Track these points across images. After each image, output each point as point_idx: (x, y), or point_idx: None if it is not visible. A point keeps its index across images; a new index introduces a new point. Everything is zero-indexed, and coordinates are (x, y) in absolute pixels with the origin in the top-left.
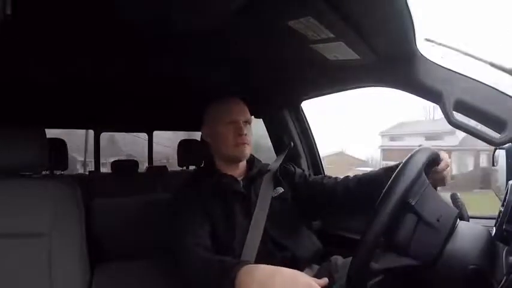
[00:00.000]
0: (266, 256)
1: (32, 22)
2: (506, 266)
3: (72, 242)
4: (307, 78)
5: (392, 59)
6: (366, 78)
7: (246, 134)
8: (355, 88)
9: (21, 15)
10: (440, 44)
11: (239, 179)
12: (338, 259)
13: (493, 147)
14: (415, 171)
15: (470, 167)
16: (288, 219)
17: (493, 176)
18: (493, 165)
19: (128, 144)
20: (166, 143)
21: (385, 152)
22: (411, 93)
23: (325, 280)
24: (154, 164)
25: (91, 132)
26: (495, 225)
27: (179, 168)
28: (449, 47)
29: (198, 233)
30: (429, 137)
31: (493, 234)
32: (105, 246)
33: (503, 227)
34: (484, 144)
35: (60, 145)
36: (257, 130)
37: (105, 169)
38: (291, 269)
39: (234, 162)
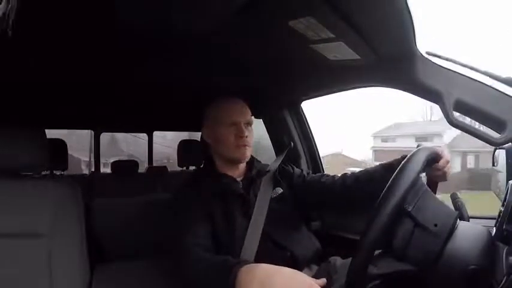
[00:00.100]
0: (265, 256)
1: (32, 22)
2: (506, 266)
3: (72, 242)
4: (307, 78)
5: (392, 59)
6: (366, 78)
7: (247, 136)
8: (355, 88)
9: (21, 16)
10: (441, 58)
11: (238, 179)
12: (337, 260)
13: (479, 150)
14: (411, 177)
15: (458, 169)
16: (287, 220)
17: (488, 177)
18: (493, 165)
19: (129, 144)
20: (167, 143)
21: (377, 153)
22: (411, 93)
23: (323, 280)
24: (156, 164)
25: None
26: (495, 225)
27: (179, 169)
28: (450, 60)
29: (198, 233)
30: (419, 138)
31: (493, 234)
32: (105, 246)
33: (503, 227)
34: (470, 146)
35: (60, 145)
36: (257, 130)
37: (107, 169)
38: (290, 269)
39: (234, 164)
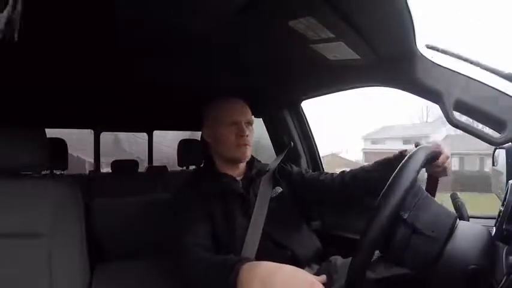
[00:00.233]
0: (266, 256)
1: (31, 23)
2: (506, 266)
3: (72, 242)
4: (307, 78)
5: (392, 59)
6: (366, 78)
7: (247, 135)
8: (355, 88)
9: (22, 17)
10: (442, 51)
11: (238, 179)
12: (337, 259)
13: (464, 151)
14: (411, 176)
15: None
16: (287, 219)
17: (474, 179)
18: (493, 165)
19: (132, 145)
20: (169, 143)
21: (367, 154)
22: (411, 93)
23: (323, 277)
24: (158, 164)
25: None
26: (495, 225)
27: (179, 168)
28: (451, 54)
29: (198, 233)
30: (406, 140)
31: (493, 234)
32: (105, 246)
33: (503, 226)
34: (455, 148)
35: (60, 145)
36: (257, 130)
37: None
38: (292, 266)
39: (235, 163)
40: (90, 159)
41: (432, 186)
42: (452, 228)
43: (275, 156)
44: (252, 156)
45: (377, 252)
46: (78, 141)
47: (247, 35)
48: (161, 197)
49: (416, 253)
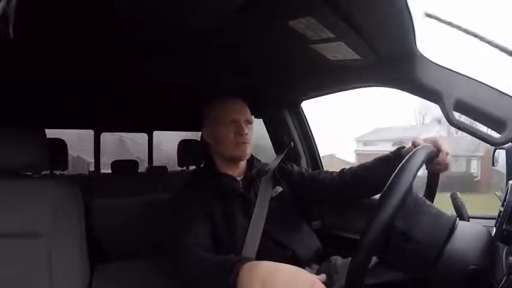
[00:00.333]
0: (266, 255)
1: (32, 22)
2: (506, 266)
3: (72, 242)
4: (307, 78)
5: (392, 59)
6: (366, 78)
7: (247, 133)
8: (355, 88)
9: (21, 16)
10: (442, 21)
11: (239, 179)
12: (338, 259)
13: (452, 153)
14: (407, 183)
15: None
16: (287, 219)
17: (458, 180)
18: (493, 165)
19: (137, 146)
20: (170, 143)
21: (359, 156)
22: (411, 93)
23: (323, 276)
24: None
25: (103, 134)
26: (495, 225)
27: (179, 168)
28: (452, 25)
29: (198, 233)
30: (396, 143)
31: (493, 234)
32: (105, 246)
33: (503, 227)
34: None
35: (60, 145)
36: (256, 130)
37: None
38: (292, 266)
39: (234, 162)
40: (92, 159)
41: (433, 183)
42: (449, 235)
43: (273, 157)
44: (251, 155)
45: (374, 258)
46: (79, 141)
47: (247, 35)
48: (161, 197)
49: (413, 260)
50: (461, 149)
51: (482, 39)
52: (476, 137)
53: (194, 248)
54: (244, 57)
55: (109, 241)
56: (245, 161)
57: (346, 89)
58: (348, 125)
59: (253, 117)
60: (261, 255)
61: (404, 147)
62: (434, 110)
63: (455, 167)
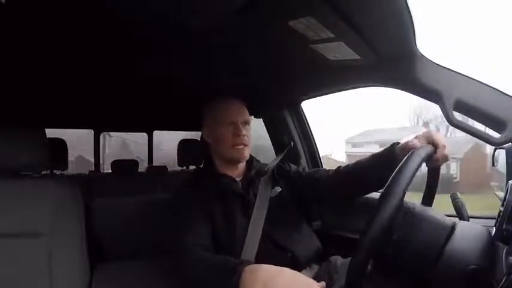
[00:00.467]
0: (266, 256)
1: (31, 22)
2: (506, 266)
3: (72, 242)
4: (307, 78)
5: (392, 59)
6: (366, 78)
7: (244, 135)
8: (355, 88)
9: (20, 16)
10: None
11: (238, 179)
12: (338, 259)
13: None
14: (410, 176)
15: None
16: (287, 219)
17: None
18: (493, 165)
19: (138, 147)
20: (170, 143)
21: (350, 157)
22: (411, 93)
23: (323, 283)
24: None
25: (108, 139)
26: (495, 225)
27: (179, 168)
28: None
29: (198, 233)
30: (382, 144)
31: (493, 234)
32: (105, 246)
33: (503, 226)
34: None
35: (60, 145)
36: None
37: None
38: (293, 271)
39: (234, 163)
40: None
41: (433, 182)
42: (447, 240)
43: (272, 157)
44: (251, 156)
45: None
46: (80, 141)
47: (247, 35)
48: (161, 197)
49: (409, 266)
50: None
51: None
52: (477, 137)
53: (194, 248)
54: (244, 57)
55: (109, 241)
56: (244, 161)
57: (346, 89)
58: (342, 126)
59: (252, 117)
60: (261, 256)
61: (398, 143)
62: (429, 111)
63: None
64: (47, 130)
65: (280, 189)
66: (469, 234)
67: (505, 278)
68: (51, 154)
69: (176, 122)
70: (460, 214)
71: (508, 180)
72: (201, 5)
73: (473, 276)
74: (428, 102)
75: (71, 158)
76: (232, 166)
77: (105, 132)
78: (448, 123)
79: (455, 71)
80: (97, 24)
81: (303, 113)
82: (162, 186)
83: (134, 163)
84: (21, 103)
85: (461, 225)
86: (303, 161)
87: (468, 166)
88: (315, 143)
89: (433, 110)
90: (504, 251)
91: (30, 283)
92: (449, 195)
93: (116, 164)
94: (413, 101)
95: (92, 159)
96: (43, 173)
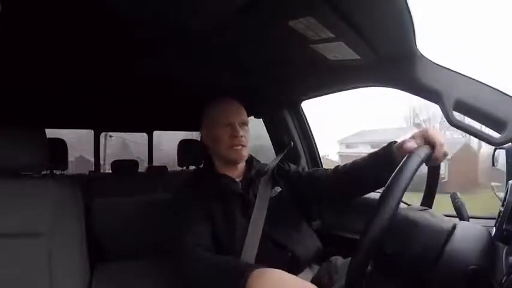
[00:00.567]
0: (266, 256)
1: (31, 22)
2: (506, 266)
3: (72, 242)
4: (307, 78)
5: (392, 59)
6: (366, 78)
7: (241, 136)
8: (355, 88)
9: (20, 15)
10: None
11: (238, 180)
12: (338, 259)
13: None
14: (409, 176)
15: None
16: (287, 219)
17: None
18: (493, 165)
19: (138, 147)
20: (170, 143)
21: (342, 157)
22: (411, 93)
23: None
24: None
25: (108, 134)
26: (495, 225)
27: (179, 168)
28: None
29: (199, 233)
30: (374, 145)
31: (493, 234)
32: (105, 246)
33: (503, 227)
34: None
35: (60, 145)
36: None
37: None
38: (300, 279)
39: (232, 164)
40: (100, 161)
41: (434, 178)
42: (444, 245)
43: (271, 158)
44: (251, 156)
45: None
46: (81, 141)
47: (247, 35)
48: (161, 197)
49: (407, 269)
50: None
51: None
52: (476, 137)
53: (195, 247)
54: (244, 57)
55: (109, 241)
56: (244, 162)
57: (346, 89)
58: (337, 126)
59: (252, 117)
60: (261, 256)
61: (395, 142)
62: (422, 112)
63: (425, 169)
64: (47, 130)
65: (280, 189)
66: (469, 235)
67: (505, 278)
68: (51, 154)
69: (176, 122)
70: (460, 214)
71: (508, 180)
72: (201, 5)
73: (473, 276)
74: (420, 103)
75: (71, 158)
76: (231, 166)
77: (106, 133)
78: (448, 124)
79: (455, 71)
80: (97, 24)
81: (303, 113)
82: (162, 186)
83: (134, 163)
84: (21, 103)
85: (461, 226)
86: (303, 161)
87: (457, 167)
88: (315, 143)
89: (428, 110)
90: (504, 251)
91: (30, 283)
92: (441, 195)
93: (115, 164)
94: (409, 103)
95: (93, 159)
96: (43, 173)
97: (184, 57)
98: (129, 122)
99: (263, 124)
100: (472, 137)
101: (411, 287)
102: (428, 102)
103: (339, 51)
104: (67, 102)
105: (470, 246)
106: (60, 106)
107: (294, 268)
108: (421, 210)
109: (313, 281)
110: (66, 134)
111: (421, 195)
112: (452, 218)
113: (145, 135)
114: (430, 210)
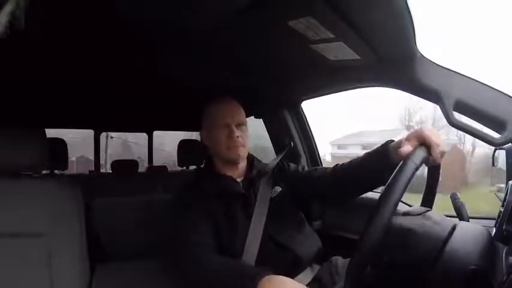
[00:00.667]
0: (267, 256)
1: (30, 22)
2: (506, 266)
3: (72, 242)
4: (307, 78)
5: (392, 59)
6: (366, 78)
7: (238, 137)
8: (355, 88)
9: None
10: None
11: (239, 180)
12: (338, 260)
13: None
14: (409, 176)
15: None
16: (288, 219)
17: None
18: (493, 165)
19: (139, 148)
20: (171, 144)
21: (334, 158)
22: (411, 93)
23: None
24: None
25: (110, 134)
26: (495, 226)
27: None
28: None
29: (201, 233)
30: (364, 147)
31: (493, 234)
32: (105, 246)
33: (503, 227)
34: None
35: (60, 145)
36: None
37: None
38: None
39: (232, 164)
40: (101, 161)
41: (434, 178)
42: (442, 249)
43: (270, 158)
44: (252, 156)
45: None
46: (84, 141)
47: (247, 35)
48: (161, 197)
49: (409, 267)
50: None
51: None
52: (476, 137)
53: (195, 247)
54: (244, 57)
55: (109, 241)
56: (245, 162)
57: (346, 89)
58: (331, 127)
59: (252, 117)
60: (262, 256)
61: (393, 140)
62: (416, 115)
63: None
64: (47, 130)
65: (281, 189)
66: (469, 235)
67: (505, 278)
68: (51, 154)
69: (176, 122)
70: (460, 215)
71: (508, 180)
72: (201, 5)
73: (473, 276)
74: (413, 105)
75: (73, 158)
76: (232, 166)
77: (107, 134)
78: (448, 124)
79: (455, 71)
80: (97, 24)
81: (303, 113)
82: (162, 186)
83: (134, 163)
84: (21, 103)
85: (461, 226)
86: (303, 161)
87: (446, 167)
88: (315, 143)
89: (421, 112)
90: (504, 251)
91: (30, 283)
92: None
93: (116, 164)
94: (404, 104)
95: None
96: (43, 172)
97: (184, 57)
98: (129, 122)
99: (263, 124)
100: (463, 139)
101: (411, 287)
102: (420, 104)
103: (339, 51)
104: (67, 102)
105: (470, 247)
106: (60, 106)
107: (295, 268)
108: (422, 212)
109: (314, 281)
110: (66, 134)
111: (421, 196)
112: (452, 218)
113: (146, 136)
114: (431, 211)
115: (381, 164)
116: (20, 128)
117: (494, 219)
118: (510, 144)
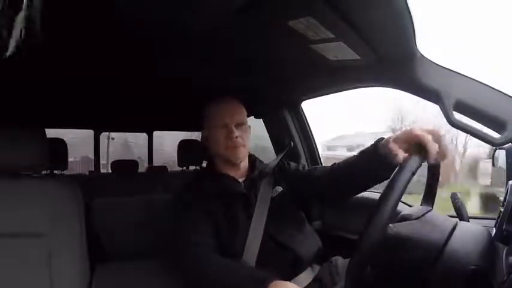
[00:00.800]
0: (268, 257)
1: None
2: (506, 266)
3: (72, 242)
4: (307, 78)
5: (392, 59)
6: (366, 78)
7: (237, 137)
8: (355, 88)
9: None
10: None
11: (240, 180)
12: (338, 260)
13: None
14: (408, 176)
15: None
16: (289, 219)
17: None
18: (493, 165)
19: (139, 148)
20: (172, 144)
21: (323, 159)
22: (411, 93)
23: None
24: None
25: (111, 135)
26: (495, 226)
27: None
28: None
29: (202, 233)
30: (349, 148)
31: (493, 234)
32: (105, 246)
33: (503, 227)
34: None
35: (60, 145)
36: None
37: None
38: None
39: (232, 164)
40: (103, 161)
41: (434, 177)
42: (441, 251)
43: (270, 158)
44: (254, 156)
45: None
46: (84, 141)
47: (247, 35)
48: (161, 197)
49: (409, 267)
50: None
51: None
52: (476, 137)
53: (196, 247)
54: (244, 57)
55: (109, 241)
56: (246, 162)
57: (346, 89)
58: (322, 129)
59: (252, 117)
60: (263, 256)
61: (383, 138)
62: (408, 116)
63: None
64: (47, 130)
65: (281, 188)
66: (469, 235)
67: (505, 278)
68: (51, 154)
69: (176, 122)
70: (460, 215)
71: (508, 180)
72: (201, 5)
73: (473, 276)
74: (405, 108)
75: (76, 158)
76: (233, 166)
77: (108, 135)
78: (449, 124)
79: (455, 71)
80: (97, 24)
81: (303, 113)
82: (162, 186)
83: (134, 163)
84: (21, 103)
85: (461, 226)
86: (303, 161)
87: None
88: (315, 143)
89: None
90: (504, 251)
91: (30, 283)
92: (412, 195)
93: (116, 164)
94: (397, 103)
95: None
96: (43, 172)
97: (185, 57)
98: (129, 122)
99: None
100: (455, 141)
101: (411, 287)
102: (413, 106)
103: (339, 51)
104: (67, 102)
105: (470, 247)
106: (60, 106)
107: (296, 268)
108: (422, 214)
109: (314, 282)
110: (66, 134)
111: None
112: (452, 218)
113: (147, 136)
114: (432, 210)
115: (373, 162)
116: (20, 128)
117: (494, 219)
118: (510, 144)
